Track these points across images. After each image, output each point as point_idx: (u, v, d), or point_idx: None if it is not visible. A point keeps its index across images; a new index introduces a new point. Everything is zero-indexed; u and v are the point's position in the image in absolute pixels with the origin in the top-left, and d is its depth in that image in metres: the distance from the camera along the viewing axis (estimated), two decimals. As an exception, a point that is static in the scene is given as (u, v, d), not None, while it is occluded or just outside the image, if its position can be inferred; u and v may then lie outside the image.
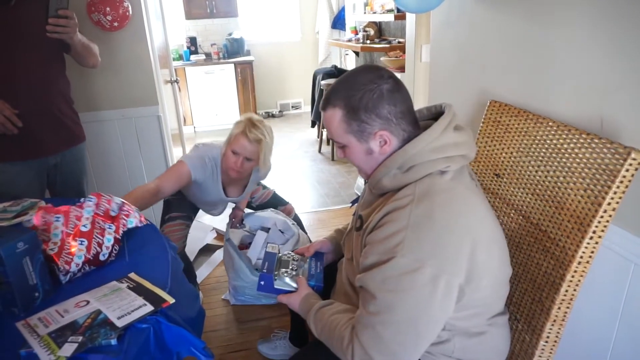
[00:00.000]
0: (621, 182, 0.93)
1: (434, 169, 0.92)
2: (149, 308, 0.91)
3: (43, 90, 1.70)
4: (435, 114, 1.05)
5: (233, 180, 1.85)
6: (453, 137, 0.95)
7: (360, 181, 3.40)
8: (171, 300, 0.95)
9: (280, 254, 1.26)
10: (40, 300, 0.97)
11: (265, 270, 1.17)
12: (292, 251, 1.32)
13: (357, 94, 0.93)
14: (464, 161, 0.96)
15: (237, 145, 1.69)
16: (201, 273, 2.44)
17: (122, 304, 0.92)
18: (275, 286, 1.16)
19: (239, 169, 1.72)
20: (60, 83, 1.78)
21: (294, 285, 1.16)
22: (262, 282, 1.16)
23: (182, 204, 2.00)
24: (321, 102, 1.00)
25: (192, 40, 5.58)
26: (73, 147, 1.85)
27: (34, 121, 1.67)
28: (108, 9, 2.25)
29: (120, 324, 0.86)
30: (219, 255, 2.60)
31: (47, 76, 1.71)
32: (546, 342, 1.06)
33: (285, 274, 1.17)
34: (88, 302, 0.93)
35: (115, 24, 2.30)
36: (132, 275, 1.06)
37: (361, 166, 1.02)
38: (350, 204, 1.30)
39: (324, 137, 4.62)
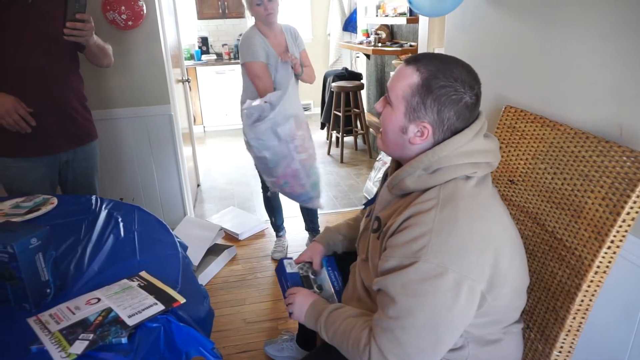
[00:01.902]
0: (641, 191, 0.91)
1: (460, 174, 0.90)
2: (160, 307, 0.91)
3: (57, 88, 1.71)
4: None
5: (273, 35, 2.24)
6: (483, 144, 0.93)
7: (370, 184, 3.39)
8: (182, 300, 0.94)
9: (301, 272, 1.25)
10: (52, 297, 0.98)
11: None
12: (298, 262, 1.31)
13: (443, 81, 0.89)
14: (489, 169, 0.95)
15: None
16: (209, 273, 2.44)
17: (133, 303, 0.92)
18: None
19: (269, 11, 2.14)
20: (74, 81, 1.79)
21: None
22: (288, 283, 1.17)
23: None
24: (410, 57, 0.95)
25: (204, 40, 5.61)
26: (85, 144, 1.86)
27: (48, 119, 1.68)
28: (123, 7, 2.27)
29: (131, 322, 0.86)
30: (227, 254, 2.60)
31: (61, 75, 1.72)
32: (560, 352, 1.04)
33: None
34: (99, 299, 0.93)
35: (130, 22, 2.32)
36: (143, 273, 1.06)
37: (387, 134, 0.98)
38: (364, 206, 1.29)
39: (334, 139, 4.61)
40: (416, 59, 0.93)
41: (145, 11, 2.37)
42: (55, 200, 1.50)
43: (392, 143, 0.98)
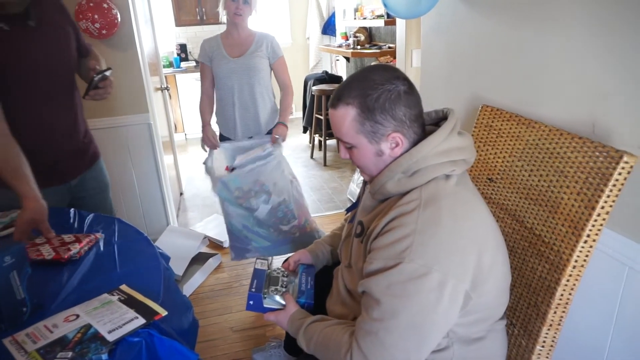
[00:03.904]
0: (614, 185, 0.93)
1: (440, 173, 0.91)
2: (141, 321, 0.89)
3: (68, 118, 1.59)
4: (436, 119, 1.05)
5: (237, 34, 2.25)
6: (457, 141, 0.95)
7: (353, 186, 3.40)
8: (163, 313, 0.93)
9: (269, 270, 1.23)
10: (28, 315, 0.95)
11: (254, 289, 1.13)
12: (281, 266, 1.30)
13: (374, 93, 0.90)
14: (466, 165, 0.96)
15: None
16: (194, 282, 2.41)
17: (113, 317, 0.90)
18: (265, 305, 1.13)
19: (239, 12, 2.13)
20: (78, 104, 1.64)
21: (284, 303, 1.13)
22: (252, 302, 1.12)
23: None
24: (331, 99, 0.97)
25: (182, 47, 5.56)
26: (92, 166, 1.75)
27: (60, 152, 1.57)
28: (96, 16, 2.23)
29: (111, 338, 0.84)
30: (212, 263, 2.57)
31: (69, 101, 1.58)
32: (542, 346, 1.06)
33: (274, 292, 1.14)
34: (78, 316, 0.91)
35: (104, 31, 2.29)
36: (124, 287, 1.04)
37: (368, 168, 0.99)
38: (346, 211, 1.29)
39: (316, 142, 4.61)
40: (338, 98, 0.95)
41: (119, 19, 2.34)
42: (31, 215, 1.46)
43: (377, 168, 0.98)
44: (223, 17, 2.25)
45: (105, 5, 2.25)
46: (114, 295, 1.00)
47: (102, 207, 1.80)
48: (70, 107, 1.60)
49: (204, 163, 2.15)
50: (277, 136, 2.18)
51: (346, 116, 0.93)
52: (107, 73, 1.49)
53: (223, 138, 2.41)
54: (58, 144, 1.58)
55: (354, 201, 1.24)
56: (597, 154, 0.98)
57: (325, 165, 4.30)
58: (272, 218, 2.03)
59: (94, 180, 1.75)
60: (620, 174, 0.92)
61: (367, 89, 0.91)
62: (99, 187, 1.79)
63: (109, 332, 0.85)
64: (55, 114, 1.55)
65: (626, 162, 0.92)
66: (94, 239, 1.29)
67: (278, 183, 2.02)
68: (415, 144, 0.94)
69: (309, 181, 3.94)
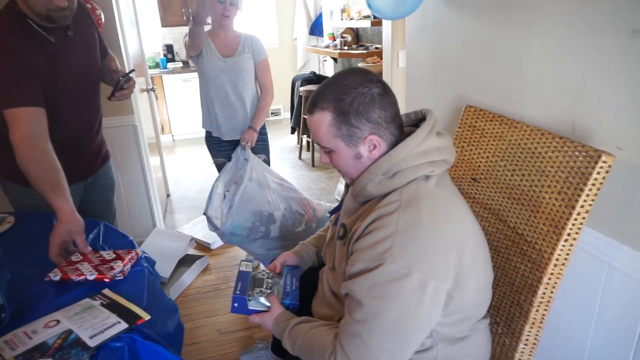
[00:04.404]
0: (593, 184, 0.94)
1: (419, 174, 0.92)
2: (123, 325, 0.88)
3: (95, 121, 1.65)
4: (415, 121, 1.05)
5: (223, 34, 2.23)
6: (436, 142, 0.95)
7: (341, 187, 3.40)
8: (146, 317, 0.92)
9: (254, 272, 1.23)
10: (7, 322, 0.93)
11: (238, 292, 1.12)
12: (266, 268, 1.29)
13: (348, 97, 0.91)
14: (446, 166, 0.97)
15: None
16: (181, 284, 2.40)
17: (94, 322, 0.89)
18: (250, 307, 1.12)
19: (227, 14, 2.14)
20: (100, 108, 1.69)
21: (269, 304, 1.13)
22: (236, 304, 1.11)
23: None
24: (307, 106, 0.97)
25: (169, 48, 5.52)
26: (105, 163, 1.80)
27: (85, 152, 1.62)
28: (79, 17, 2.20)
29: (92, 343, 0.83)
30: (199, 265, 2.56)
31: (96, 105, 1.63)
32: (525, 344, 1.07)
33: (259, 294, 1.14)
34: (58, 321, 0.90)
35: (88, 32, 2.25)
36: (106, 291, 1.03)
37: (348, 171, 1.00)
38: (329, 214, 1.29)
39: (304, 143, 4.61)
40: (313, 104, 0.96)
41: (103, 20, 2.31)
42: (12, 219, 1.44)
43: (357, 171, 0.99)
44: (209, 18, 2.24)
45: (88, 6, 2.22)
46: (96, 300, 0.99)
47: (109, 204, 1.87)
48: (98, 108, 1.67)
49: (205, 213, 2.11)
50: (244, 143, 2.22)
51: (322, 121, 0.94)
52: (132, 75, 1.56)
53: (209, 135, 2.40)
54: (88, 143, 1.65)
55: (335, 206, 1.24)
56: (577, 153, 0.99)
57: (313, 166, 4.30)
58: (286, 229, 2.05)
59: (104, 177, 1.81)
60: (599, 173, 0.94)
61: (341, 93, 0.92)
62: (107, 184, 1.84)
63: (91, 337, 0.84)
64: (92, 115, 1.63)
65: (604, 162, 0.93)
66: (135, 256, 1.20)
67: (271, 200, 2.04)
68: (393, 145, 0.94)
69: (297, 182, 3.93)
